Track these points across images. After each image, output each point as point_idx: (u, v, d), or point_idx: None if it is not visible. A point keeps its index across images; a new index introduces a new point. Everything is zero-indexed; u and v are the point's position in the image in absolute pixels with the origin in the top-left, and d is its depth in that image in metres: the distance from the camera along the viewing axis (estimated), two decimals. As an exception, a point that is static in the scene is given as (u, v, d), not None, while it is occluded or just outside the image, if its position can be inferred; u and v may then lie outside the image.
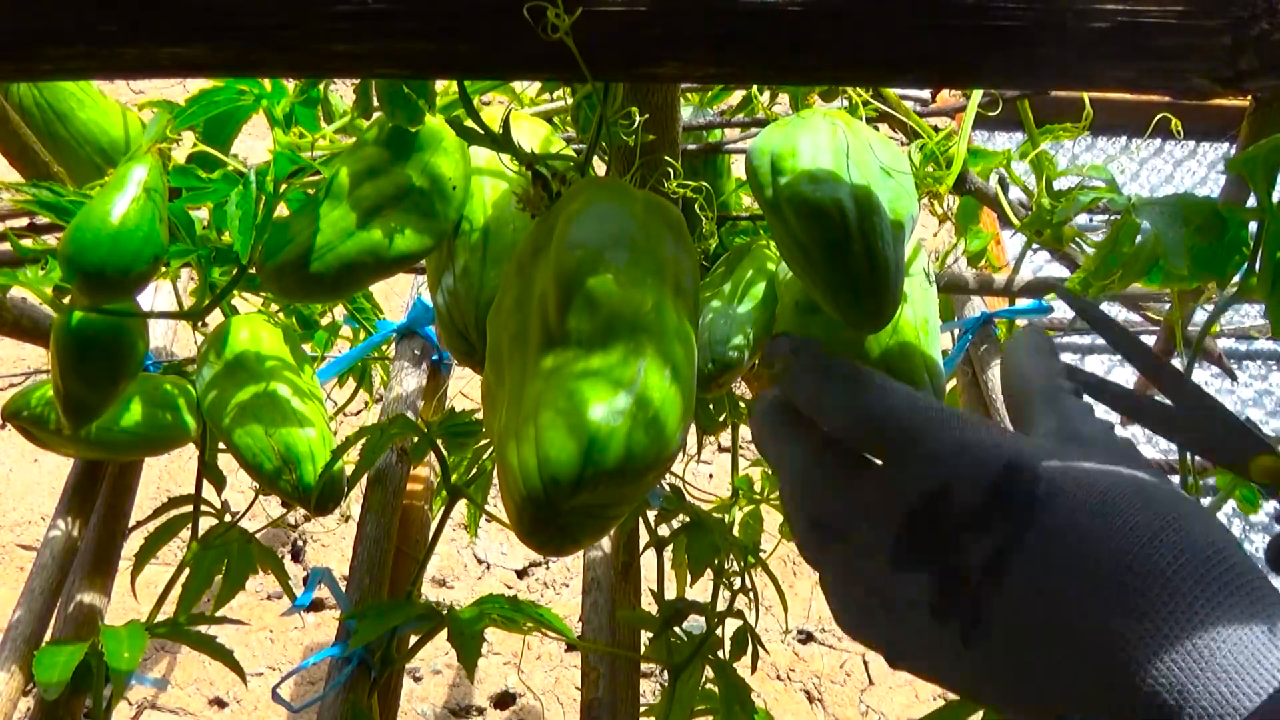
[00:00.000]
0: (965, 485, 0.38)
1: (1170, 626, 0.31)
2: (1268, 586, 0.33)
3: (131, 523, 0.92)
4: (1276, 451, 0.42)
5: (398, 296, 1.73)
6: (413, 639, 0.78)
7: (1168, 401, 0.45)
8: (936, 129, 0.69)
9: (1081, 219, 0.79)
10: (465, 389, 1.62)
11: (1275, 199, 0.51)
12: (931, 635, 0.37)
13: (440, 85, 0.60)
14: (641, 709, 0.82)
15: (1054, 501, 0.36)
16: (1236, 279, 0.54)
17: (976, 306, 1.07)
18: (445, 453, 0.77)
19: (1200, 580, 0.32)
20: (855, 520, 0.41)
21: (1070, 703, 0.33)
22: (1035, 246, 0.84)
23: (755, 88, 0.76)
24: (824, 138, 0.48)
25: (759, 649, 0.83)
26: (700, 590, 0.85)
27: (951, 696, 0.48)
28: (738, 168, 0.79)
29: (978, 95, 0.71)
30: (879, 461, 0.41)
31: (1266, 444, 0.42)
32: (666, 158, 0.54)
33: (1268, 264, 0.51)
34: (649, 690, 1.64)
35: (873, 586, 0.40)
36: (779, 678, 1.75)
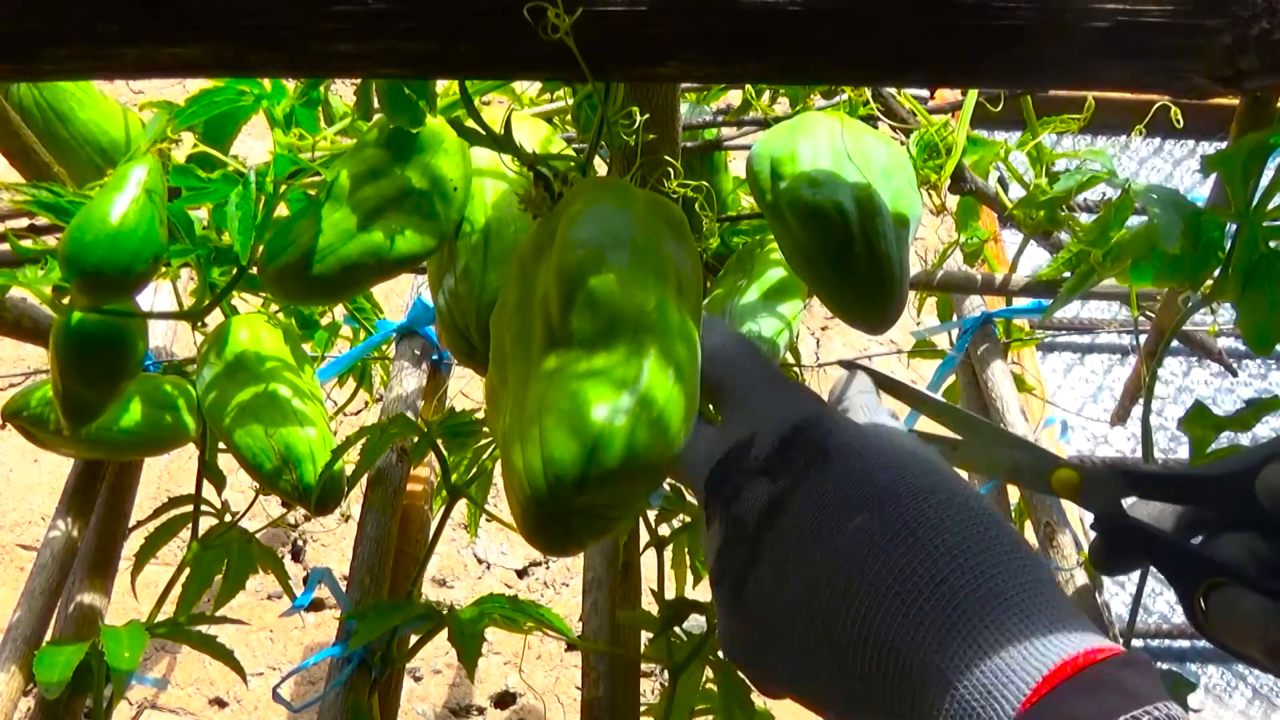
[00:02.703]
0: (764, 437, 0.39)
1: (945, 602, 0.32)
2: (1039, 566, 0.33)
3: (131, 523, 0.92)
4: (1071, 464, 0.44)
5: (398, 296, 1.73)
6: (413, 639, 0.78)
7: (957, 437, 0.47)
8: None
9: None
10: (465, 389, 1.62)
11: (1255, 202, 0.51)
12: (718, 596, 0.39)
13: (441, 86, 0.60)
14: (642, 709, 0.82)
15: (840, 454, 0.37)
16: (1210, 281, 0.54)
17: (976, 306, 1.07)
18: (445, 452, 0.77)
19: (986, 557, 0.32)
20: (696, 467, 0.43)
21: (817, 654, 0.34)
22: (1032, 241, 0.84)
23: (753, 87, 0.76)
24: (823, 140, 0.47)
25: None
26: (700, 590, 0.85)
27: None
28: (735, 165, 0.79)
29: (975, 90, 0.71)
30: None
31: (1060, 459, 0.44)
32: (667, 157, 0.54)
33: (1240, 267, 0.51)
34: (649, 690, 1.64)
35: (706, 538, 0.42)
36: (779, 677, 1.74)
